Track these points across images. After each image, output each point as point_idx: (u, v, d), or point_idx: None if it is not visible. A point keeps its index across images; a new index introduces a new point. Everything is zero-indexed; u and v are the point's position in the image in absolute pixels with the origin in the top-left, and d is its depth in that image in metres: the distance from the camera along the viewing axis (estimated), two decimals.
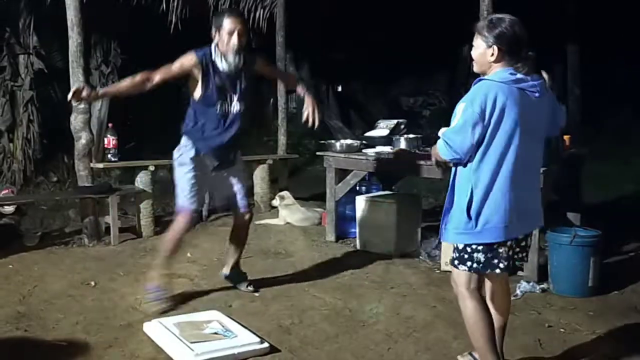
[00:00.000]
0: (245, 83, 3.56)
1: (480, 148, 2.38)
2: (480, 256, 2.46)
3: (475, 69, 2.50)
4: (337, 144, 5.16)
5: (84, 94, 3.32)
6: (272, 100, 8.99)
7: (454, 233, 2.49)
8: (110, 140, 5.42)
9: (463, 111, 2.37)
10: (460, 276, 2.52)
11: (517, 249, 2.55)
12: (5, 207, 5.31)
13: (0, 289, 3.92)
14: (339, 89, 11.34)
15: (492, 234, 2.42)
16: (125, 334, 3.19)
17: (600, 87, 9.86)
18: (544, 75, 2.61)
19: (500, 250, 2.46)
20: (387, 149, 4.87)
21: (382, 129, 5.35)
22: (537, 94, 2.43)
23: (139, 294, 3.80)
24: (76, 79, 5.08)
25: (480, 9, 4.73)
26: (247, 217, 3.80)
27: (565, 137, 4.58)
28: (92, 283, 4.01)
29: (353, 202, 5.01)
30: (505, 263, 2.48)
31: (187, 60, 3.46)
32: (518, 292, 3.77)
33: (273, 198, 6.11)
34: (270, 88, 7.28)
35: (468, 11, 5.04)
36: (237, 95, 3.54)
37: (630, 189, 7.07)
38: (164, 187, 7.28)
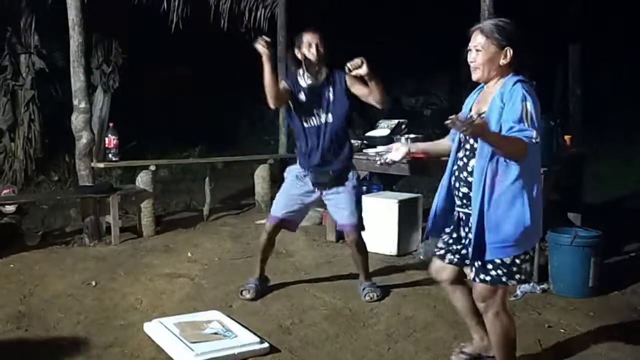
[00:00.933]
0: (332, 96, 3.59)
1: (530, 152, 2.35)
2: (528, 266, 2.43)
3: (477, 75, 2.43)
4: None
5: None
6: None
7: (503, 247, 2.35)
8: (111, 140, 5.42)
9: (535, 111, 2.32)
10: (498, 293, 2.43)
11: None
12: (7, 206, 5.31)
13: (1, 288, 3.93)
14: None
15: (535, 239, 2.46)
16: (125, 333, 3.20)
17: (601, 87, 9.85)
18: None
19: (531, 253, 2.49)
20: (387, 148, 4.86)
21: (383, 128, 5.35)
22: None
23: (140, 293, 3.81)
24: (77, 78, 5.08)
25: (481, 9, 4.72)
26: (350, 237, 3.70)
27: (567, 137, 4.58)
28: (93, 283, 4.02)
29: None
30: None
31: (283, 84, 3.65)
32: (518, 292, 3.77)
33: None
34: None
35: (469, 12, 5.04)
36: (321, 109, 3.59)
37: (632, 189, 7.06)
38: (165, 186, 7.30)
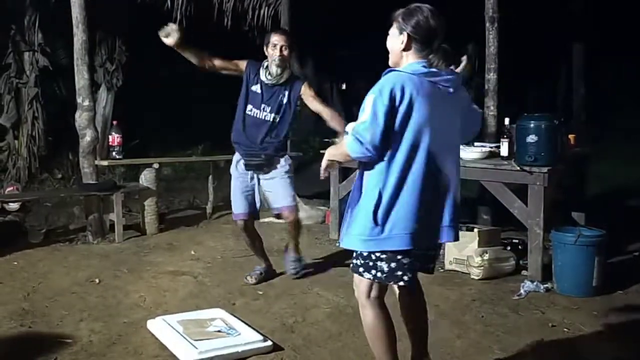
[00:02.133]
0: (286, 100, 3.82)
1: (389, 146, 2.19)
2: (384, 265, 2.25)
3: (390, 61, 2.33)
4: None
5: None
6: None
7: (359, 239, 2.25)
8: (114, 138, 5.43)
9: (372, 104, 2.15)
10: (362, 283, 2.33)
11: (423, 260, 2.39)
12: (10, 204, 5.32)
13: (5, 285, 3.94)
14: (343, 86, 11.34)
15: (397, 241, 2.21)
16: (129, 331, 3.20)
17: (605, 86, 9.82)
18: (461, 68, 2.48)
19: (405, 261, 2.25)
20: None
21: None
22: (450, 89, 2.26)
23: (143, 291, 3.82)
24: (81, 76, 5.09)
25: (485, 7, 4.72)
26: (290, 219, 3.93)
27: (570, 137, 4.57)
28: (96, 280, 4.03)
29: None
30: (410, 275, 2.29)
31: (242, 62, 3.88)
32: (522, 291, 3.76)
33: None
34: None
35: (473, 9, 5.04)
36: (269, 107, 3.82)
37: (635, 188, 7.03)
38: (168, 184, 7.31)
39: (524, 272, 4.05)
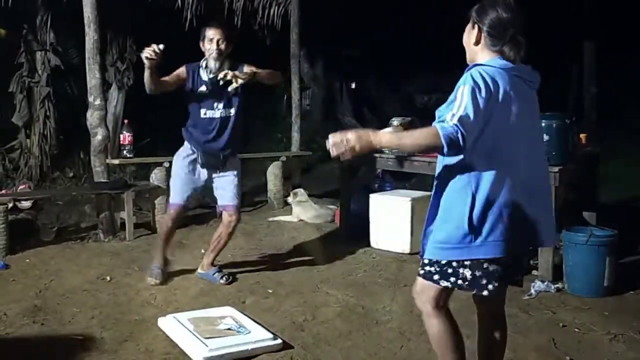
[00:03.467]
0: (235, 90, 3.72)
1: (483, 144, 2.00)
2: (467, 273, 2.09)
3: (467, 57, 2.22)
4: None
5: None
6: (285, 96, 9.00)
7: (443, 248, 2.10)
8: (125, 137, 5.46)
9: (470, 94, 1.95)
10: (431, 291, 2.17)
11: (511, 269, 2.18)
12: (23, 202, 5.37)
13: (18, 282, 3.97)
14: (353, 85, 11.33)
15: (491, 249, 2.05)
16: (140, 328, 3.22)
17: (617, 85, 9.75)
18: None
19: (491, 269, 2.08)
20: None
21: (395, 126, 5.33)
22: (533, 84, 2.16)
23: (154, 289, 3.84)
24: (92, 76, 5.12)
25: None
26: (232, 217, 3.95)
27: (582, 136, 4.55)
28: (108, 278, 4.05)
29: (366, 200, 5.01)
30: (496, 284, 2.10)
31: (180, 69, 3.82)
32: (532, 291, 3.75)
33: (286, 195, 6.12)
34: (283, 85, 7.28)
35: None
36: (222, 102, 3.77)
37: None
38: None
39: (534, 272, 4.03)
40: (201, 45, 3.79)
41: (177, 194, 3.90)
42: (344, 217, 5.16)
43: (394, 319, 3.39)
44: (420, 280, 2.22)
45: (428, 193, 5.14)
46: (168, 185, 5.54)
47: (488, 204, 2.03)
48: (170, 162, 5.71)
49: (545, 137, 3.82)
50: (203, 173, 3.92)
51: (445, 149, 1.92)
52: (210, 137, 3.83)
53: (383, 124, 5.87)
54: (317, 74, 10.80)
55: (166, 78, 3.75)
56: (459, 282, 2.11)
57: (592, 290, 3.73)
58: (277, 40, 7.35)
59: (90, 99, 5.15)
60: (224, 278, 3.93)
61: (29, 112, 6.99)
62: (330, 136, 2.05)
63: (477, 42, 2.14)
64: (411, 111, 8.33)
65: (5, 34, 6.19)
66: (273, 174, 6.42)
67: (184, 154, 3.92)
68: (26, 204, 5.41)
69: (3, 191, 5.93)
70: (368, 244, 4.92)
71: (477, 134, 1.97)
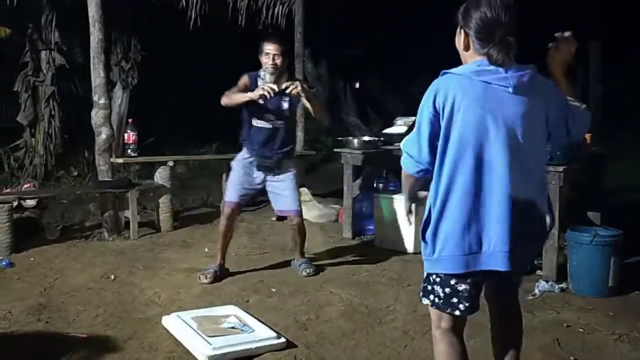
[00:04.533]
0: (287, 105, 3.97)
1: (439, 157, 1.97)
2: (439, 290, 2.02)
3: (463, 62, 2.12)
4: (355, 141, 5.15)
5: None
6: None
7: (423, 259, 2.05)
8: (130, 136, 5.47)
9: (419, 113, 1.99)
10: (431, 312, 2.11)
11: (490, 289, 2.12)
12: (27, 200, 5.39)
13: (23, 281, 3.99)
14: (357, 85, 11.32)
15: (448, 264, 1.96)
16: (144, 327, 3.23)
17: (623, 85, 9.71)
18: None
19: (460, 288, 1.98)
20: None
21: (399, 126, 5.34)
22: (509, 89, 1.93)
23: (158, 287, 3.85)
24: (97, 75, 5.14)
25: None
26: (294, 222, 4.11)
27: (587, 136, 4.53)
28: (112, 276, 4.06)
29: (370, 199, 5.01)
30: (466, 304, 2.00)
31: (244, 78, 3.99)
32: (537, 291, 3.74)
33: None
34: None
35: None
36: (274, 115, 3.93)
37: None
38: (183, 182, 7.35)
39: (538, 272, 4.02)
40: (260, 57, 3.94)
41: (232, 192, 4.03)
42: (347, 216, 5.15)
43: (397, 318, 3.38)
44: None
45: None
46: (171, 184, 5.58)
47: (442, 215, 1.96)
48: (174, 162, 5.80)
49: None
50: (259, 175, 4.04)
51: (421, 175, 2.06)
52: (261, 144, 3.98)
53: (387, 123, 5.88)
54: (321, 73, 10.80)
55: (241, 93, 3.96)
56: (436, 299, 2.05)
57: (597, 291, 3.71)
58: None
59: (95, 98, 5.17)
60: (305, 271, 4.09)
61: (33, 111, 7.01)
62: None
63: (466, 47, 2.03)
64: (415, 111, 8.32)
65: (10, 33, 6.21)
66: None
67: (243, 156, 4.07)
68: (31, 202, 5.42)
69: (8, 190, 5.95)
70: (372, 244, 4.92)
71: (429, 148, 1.98)
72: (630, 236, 3.93)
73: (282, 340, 3.00)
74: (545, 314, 3.45)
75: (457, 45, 2.07)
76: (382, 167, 5.30)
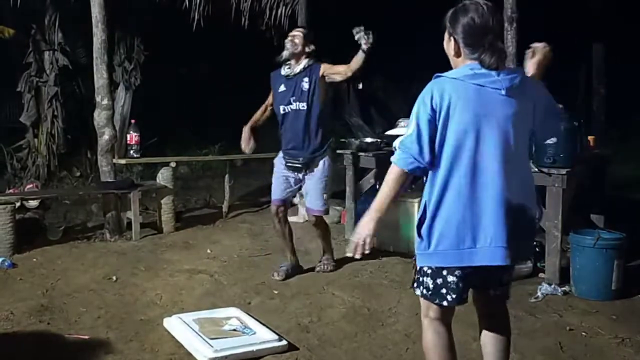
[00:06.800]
0: (308, 86, 3.93)
1: (434, 155, 2.05)
2: (429, 281, 2.12)
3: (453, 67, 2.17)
4: (358, 142, 5.14)
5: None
6: None
7: (417, 252, 2.15)
8: (132, 137, 5.47)
9: (416, 113, 2.04)
10: (421, 302, 2.21)
11: (478, 282, 2.15)
12: (30, 201, 5.39)
13: (25, 282, 3.99)
14: (360, 86, 11.30)
15: (442, 257, 2.06)
16: (145, 328, 3.23)
17: (626, 87, 9.68)
18: (535, 60, 2.24)
19: (450, 279, 2.08)
20: None
21: (403, 127, 5.32)
22: (502, 91, 2.01)
23: (160, 289, 3.85)
24: (100, 75, 5.14)
25: (504, 6, 4.68)
26: (313, 220, 4.16)
27: (590, 138, 4.52)
28: (114, 278, 4.06)
29: (373, 201, 4.98)
30: (454, 296, 2.09)
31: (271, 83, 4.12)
32: (539, 294, 3.73)
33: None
34: None
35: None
36: (295, 97, 3.94)
37: None
38: (185, 183, 7.36)
39: (541, 275, 4.01)
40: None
41: (275, 192, 4.07)
42: (350, 218, 5.14)
43: (399, 320, 3.37)
44: None
45: None
46: (174, 185, 5.58)
47: (437, 213, 2.05)
48: (177, 163, 5.80)
49: (553, 140, 3.81)
50: (291, 174, 4.06)
51: (411, 175, 2.06)
52: (291, 133, 3.99)
53: (390, 124, 5.87)
54: None
55: (268, 103, 4.18)
56: (424, 291, 2.15)
57: (600, 294, 3.70)
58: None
59: (98, 98, 5.17)
60: (319, 267, 4.22)
61: (36, 111, 7.02)
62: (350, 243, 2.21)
63: (457, 54, 2.09)
64: None
65: (14, 34, 6.23)
66: None
67: (279, 154, 4.14)
68: (33, 203, 5.43)
69: (11, 190, 5.96)
70: (374, 246, 4.90)
71: (429, 146, 2.02)
72: (634, 239, 3.91)
73: (284, 342, 2.99)
74: (547, 317, 3.43)
75: (447, 51, 2.14)
76: (384, 169, 5.29)
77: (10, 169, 6.97)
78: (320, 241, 4.28)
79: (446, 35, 2.13)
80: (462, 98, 2.01)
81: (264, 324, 3.18)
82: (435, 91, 2.03)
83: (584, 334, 3.21)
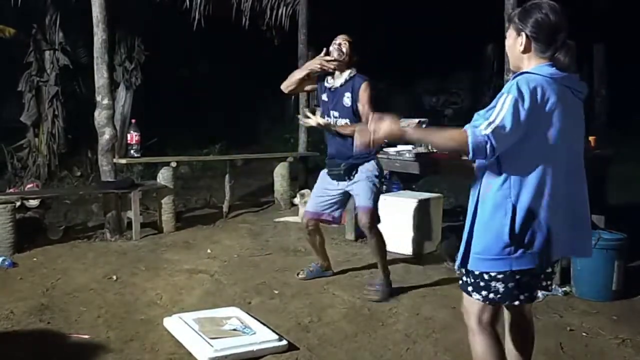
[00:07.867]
0: (350, 102, 3.76)
1: (527, 155, 1.97)
2: (499, 286, 2.05)
3: (511, 64, 2.15)
4: None
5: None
6: (292, 97, 8.99)
7: (480, 259, 2.04)
8: (133, 136, 5.47)
9: (512, 105, 1.90)
10: (473, 306, 2.13)
11: (543, 276, 2.16)
12: (30, 200, 5.40)
13: (25, 281, 3.99)
14: None
15: (530, 260, 2.01)
16: (145, 328, 3.23)
17: (627, 88, 9.69)
18: None
19: (524, 279, 2.05)
20: (408, 147, 4.84)
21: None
22: (582, 94, 2.07)
23: (160, 288, 3.85)
24: (100, 75, 5.14)
25: (505, 7, 4.67)
26: (362, 221, 3.80)
27: (591, 138, 4.51)
28: (114, 277, 4.06)
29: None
30: (527, 293, 2.10)
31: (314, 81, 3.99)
32: (540, 294, 3.71)
33: (293, 196, 6.12)
34: None
35: (492, 10, 4.99)
36: (337, 112, 3.80)
37: None
38: (185, 183, 7.36)
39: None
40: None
41: (310, 204, 3.98)
42: (350, 218, 5.14)
43: (400, 321, 3.37)
44: (464, 294, 2.18)
45: (435, 194, 5.14)
46: (174, 185, 5.58)
47: (529, 214, 1.98)
48: (177, 162, 5.80)
49: None
50: (333, 186, 3.91)
51: (470, 155, 1.94)
52: (333, 142, 3.87)
53: None
54: None
55: (309, 86, 3.98)
56: (491, 295, 2.07)
57: (600, 294, 3.70)
58: (285, 40, 7.35)
59: (98, 98, 5.17)
60: (369, 293, 3.79)
61: (37, 111, 7.03)
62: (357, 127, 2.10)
63: (525, 50, 2.05)
64: (419, 112, 8.31)
65: (15, 33, 6.23)
66: (280, 174, 6.42)
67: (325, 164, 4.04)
68: (34, 202, 5.43)
69: (11, 190, 5.97)
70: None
71: (510, 145, 1.94)
72: (635, 240, 3.91)
73: (284, 342, 2.99)
74: (548, 318, 3.43)
75: (513, 48, 2.10)
76: (385, 169, 5.28)
77: (10, 168, 6.98)
78: (375, 259, 3.87)
79: (513, 32, 2.08)
80: (560, 100, 1.98)
81: (264, 324, 3.18)
82: (538, 88, 1.95)
83: (584, 334, 3.21)
